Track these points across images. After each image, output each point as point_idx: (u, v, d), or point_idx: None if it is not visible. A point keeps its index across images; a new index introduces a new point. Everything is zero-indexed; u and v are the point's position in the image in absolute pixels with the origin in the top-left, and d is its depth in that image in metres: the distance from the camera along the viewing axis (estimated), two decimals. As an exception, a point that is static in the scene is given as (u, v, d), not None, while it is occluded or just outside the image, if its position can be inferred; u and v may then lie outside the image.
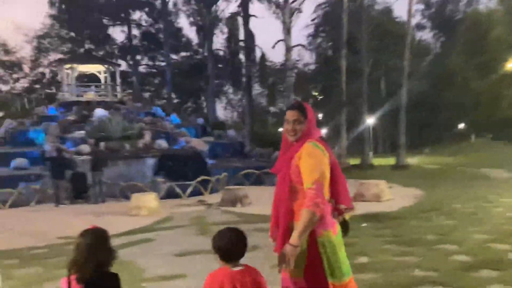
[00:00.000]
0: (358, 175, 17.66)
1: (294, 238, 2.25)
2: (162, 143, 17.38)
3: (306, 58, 52.47)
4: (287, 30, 21.17)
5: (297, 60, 42.31)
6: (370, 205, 10.14)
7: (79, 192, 13.55)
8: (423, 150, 39.06)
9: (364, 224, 7.67)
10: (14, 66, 42.83)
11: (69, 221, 9.58)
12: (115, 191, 14.01)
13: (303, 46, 27.70)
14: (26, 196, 13.18)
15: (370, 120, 26.60)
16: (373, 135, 32.09)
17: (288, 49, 21.41)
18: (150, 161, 15.80)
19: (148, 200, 10.58)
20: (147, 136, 17.61)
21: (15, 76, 43.24)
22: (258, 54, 30.68)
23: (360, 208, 9.52)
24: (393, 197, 11.20)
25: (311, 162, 2.39)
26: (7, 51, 42.57)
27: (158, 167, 15.69)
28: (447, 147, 38.72)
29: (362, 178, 16.30)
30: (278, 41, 21.69)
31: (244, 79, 31.20)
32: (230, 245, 2.20)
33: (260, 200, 11.15)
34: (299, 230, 2.26)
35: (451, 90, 39.87)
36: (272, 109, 48.09)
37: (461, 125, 44.95)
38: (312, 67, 40.56)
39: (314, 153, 2.42)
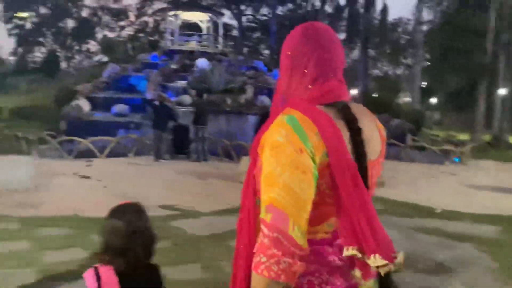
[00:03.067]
0: (499, 156, 14.57)
1: None
2: (265, 100, 15.85)
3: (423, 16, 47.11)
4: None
5: (408, 19, 37.96)
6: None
7: (181, 146, 12.38)
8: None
9: None
10: (120, 14, 43.73)
11: (171, 183, 8.29)
12: (217, 149, 12.72)
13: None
14: (125, 146, 12.32)
15: (503, 91, 22.61)
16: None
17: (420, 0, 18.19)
18: (252, 119, 14.36)
19: (259, 166, 8.95)
20: (250, 91, 16.19)
21: (121, 23, 44.17)
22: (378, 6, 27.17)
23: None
24: None
25: (269, 163, 1.06)
26: (115, -1, 43.54)
27: (260, 126, 14.15)
28: None
29: (504, 160, 13.54)
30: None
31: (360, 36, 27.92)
32: None
33: (392, 181, 8.97)
34: None
35: None
36: (375, 71, 44.05)
37: None
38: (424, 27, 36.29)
39: (276, 142, 1.05)
